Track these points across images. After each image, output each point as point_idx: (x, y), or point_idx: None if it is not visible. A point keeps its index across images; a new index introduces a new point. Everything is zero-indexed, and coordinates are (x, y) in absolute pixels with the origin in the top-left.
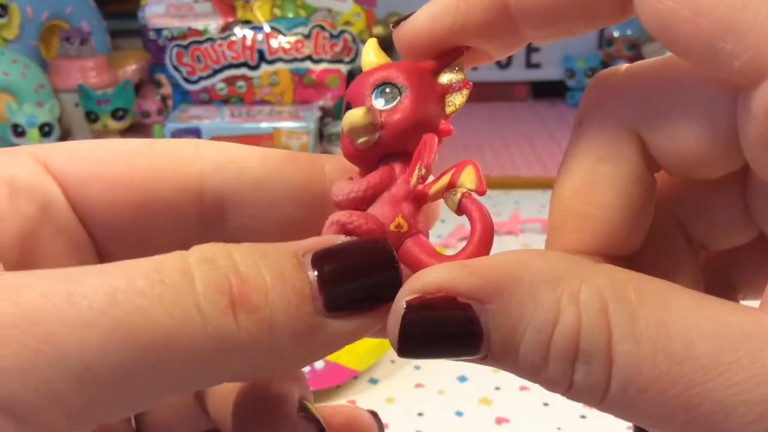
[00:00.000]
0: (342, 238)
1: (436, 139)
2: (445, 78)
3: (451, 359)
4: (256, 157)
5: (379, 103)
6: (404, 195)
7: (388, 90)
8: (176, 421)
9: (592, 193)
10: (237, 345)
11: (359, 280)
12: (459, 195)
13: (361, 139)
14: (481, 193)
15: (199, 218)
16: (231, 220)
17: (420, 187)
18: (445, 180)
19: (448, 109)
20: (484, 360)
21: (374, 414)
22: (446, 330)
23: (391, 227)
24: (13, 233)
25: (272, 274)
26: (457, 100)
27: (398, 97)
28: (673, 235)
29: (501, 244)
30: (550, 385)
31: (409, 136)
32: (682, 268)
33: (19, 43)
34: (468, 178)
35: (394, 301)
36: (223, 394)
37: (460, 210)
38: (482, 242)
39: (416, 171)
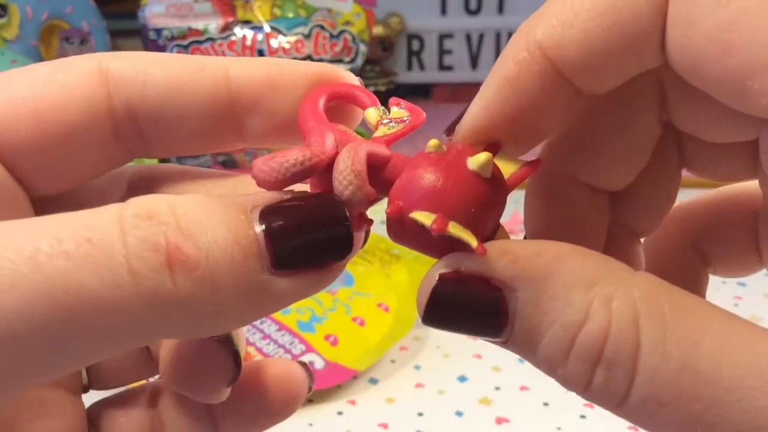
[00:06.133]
0: (292, 194)
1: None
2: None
3: (472, 336)
4: (161, 68)
5: None
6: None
7: None
8: (125, 365)
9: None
10: (174, 304)
11: (308, 237)
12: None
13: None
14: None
15: (116, 139)
16: (147, 136)
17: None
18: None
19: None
20: (504, 344)
21: (305, 366)
22: (474, 307)
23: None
24: None
25: (216, 229)
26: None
27: None
28: (688, 253)
29: None
30: (567, 382)
31: None
32: (692, 284)
33: (19, 42)
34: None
35: (428, 273)
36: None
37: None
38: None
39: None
